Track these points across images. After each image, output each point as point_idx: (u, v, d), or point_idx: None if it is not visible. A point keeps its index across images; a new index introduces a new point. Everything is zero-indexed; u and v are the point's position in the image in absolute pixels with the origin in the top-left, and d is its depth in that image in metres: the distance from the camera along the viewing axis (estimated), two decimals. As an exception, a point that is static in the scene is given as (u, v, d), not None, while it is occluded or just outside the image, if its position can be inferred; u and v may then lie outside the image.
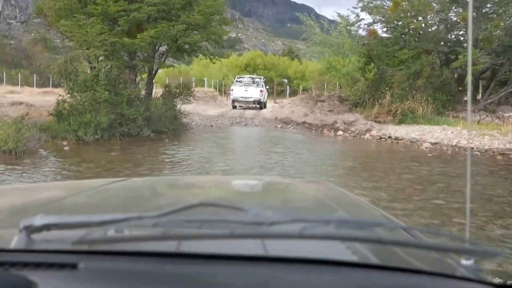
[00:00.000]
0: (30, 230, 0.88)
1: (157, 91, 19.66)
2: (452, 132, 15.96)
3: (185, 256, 0.88)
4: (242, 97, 30.02)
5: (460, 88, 20.61)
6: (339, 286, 0.82)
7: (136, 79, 17.84)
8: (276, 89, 40.94)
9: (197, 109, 27.57)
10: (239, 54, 68.84)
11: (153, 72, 18.84)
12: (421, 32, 20.21)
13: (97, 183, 2.20)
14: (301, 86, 49.47)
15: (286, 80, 48.47)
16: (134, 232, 0.87)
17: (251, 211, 0.88)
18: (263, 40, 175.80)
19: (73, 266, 0.82)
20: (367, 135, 17.08)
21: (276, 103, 36.41)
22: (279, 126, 21.18)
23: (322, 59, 21.26)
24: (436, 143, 14.90)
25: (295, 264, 0.86)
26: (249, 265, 0.87)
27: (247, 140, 16.53)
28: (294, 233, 0.79)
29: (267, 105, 32.46)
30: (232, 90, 30.42)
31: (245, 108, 30.28)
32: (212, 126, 21.13)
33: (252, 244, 0.95)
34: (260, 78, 32.92)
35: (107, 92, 15.08)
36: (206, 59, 19.52)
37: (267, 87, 34.45)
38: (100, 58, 16.23)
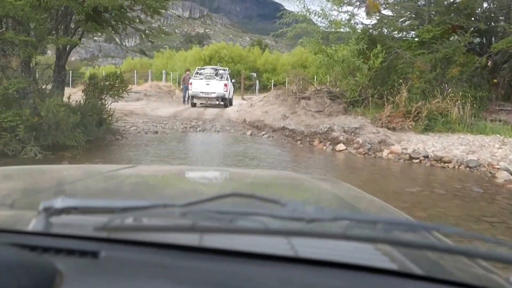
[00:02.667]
0: (50, 212, 0.82)
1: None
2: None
3: (215, 251, 0.79)
4: (202, 93, 23.47)
5: (495, 80, 14.34)
6: None
7: (31, 64, 11.16)
8: (243, 84, 34.40)
9: (146, 108, 21.00)
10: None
11: (64, 55, 12.13)
12: (446, 1, 13.84)
13: (105, 168, 2.12)
14: (272, 80, 43.06)
15: (255, 74, 42.03)
16: (161, 222, 0.83)
17: (289, 205, 0.79)
18: (231, 35, 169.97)
19: (94, 254, 0.75)
20: (385, 152, 10.70)
21: (244, 99, 29.91)
22: (249, 133, 14.74)
23: (308, 42, 14.76)
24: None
25: (333, 268, 0.76)
26: (283, 267, 0.77)
27: (198, 160, 9.99)
28: (337, 232, 0.73)
29: (233, 102, 26.03)
30: (190, 84, 23.82)
31: (206, 106, 23.78)
32: (156, 132, 14.65)
33: (287, 242, 0.85)
34: (224, 70, 26.30)
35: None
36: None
37: (233, 80, 27.89)
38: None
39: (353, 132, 12.08)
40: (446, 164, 9.51)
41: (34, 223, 0.83)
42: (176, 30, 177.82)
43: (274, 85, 35.08)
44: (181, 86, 26.93)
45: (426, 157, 9.91)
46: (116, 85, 13.24)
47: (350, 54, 14.10)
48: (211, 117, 18.85)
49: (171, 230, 0.81)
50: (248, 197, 0.91)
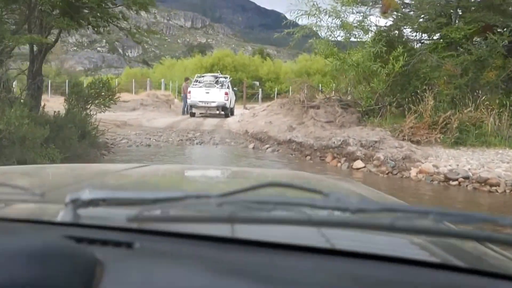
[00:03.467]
0: (77, 204, 0.81)
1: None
2: None
3: (254, 243, 0.76)
4: (202, 102, 21.76)
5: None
6: None
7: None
8: (246, 92, 32.70)
9: (141, 118, 19.29)
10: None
11: (38, 59, 10.43)
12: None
13: (119, 167, 2.12)
14: (275, 89, 41.33)
15: (257, 82, 40.26)
16: (196, 212, 0.81)
17: (332, 195, 0.75)
18: (233, 45, 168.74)
19: (129, 245, 0.73)
20: (413, 172, 8.93)
21: (246, 109, 28.20)
22: (251, 146, 13.04)
23: (317, 44, 13.05)
24: None
25: (381, 261, 0.72)
26: (320, 258, 0.73)
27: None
28: (385, 224, 0.68)
29: (235, 112, 24.30)
30: (189, 92, 22.11)
31: (206, 116, 22.06)
32: (149, 146, 13.01)
33: (322, 233, 0.83)
34: (225, 78, 24.50)
35: None
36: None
37: (234, 89, 26.15)
38: None
39: (371, 146, 10.34)
40: (494, 188, 7.73)
41: (62, 214, 0.81)
42: (179, 40, 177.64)
43: (278, 94, 33.39)
44: (182, 95, 25.17)
45: (466, 178, 8.13)
46: (103, 93, 11.58)
47: (366, 58, 12.38)
48: (210, 128, 17.14)
49: (208, 221, 0.77)
50: (287, 186, 0.94)
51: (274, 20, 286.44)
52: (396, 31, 13.01)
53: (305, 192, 0.84)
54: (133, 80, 34.06)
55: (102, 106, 11.51)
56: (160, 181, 1.74)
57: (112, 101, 11.73)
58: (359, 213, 0.69)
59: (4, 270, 0.52)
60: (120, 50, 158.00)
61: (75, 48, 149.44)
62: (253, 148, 12.80)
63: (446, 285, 0.69)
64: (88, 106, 11.58)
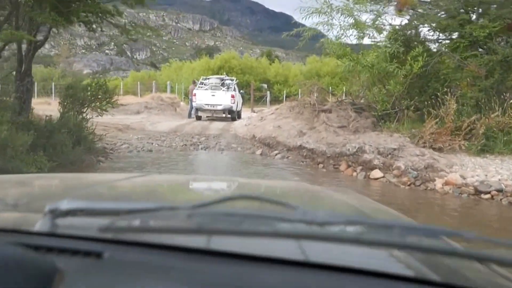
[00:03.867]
0: (55, 214, 0.82)
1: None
2: None
3: (221, 254, 0.77)
4: (207, 105, 20.92)
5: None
6: None
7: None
8: (253, 95, 31.85)
9: (144, 122, 18.50)
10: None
11: (26, 59, 9.62)
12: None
13: (115, 176, 2.21)
14: (284, 91, 40.43)
15: (265, 85, 39.33)
16: (166, 223, 0.81)
17: (299, 208, 0.79)
18: (241, 47, 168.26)
19: (98, 255, 0.74)
20: (438, 183, 8.00)
21: (254, 112, 27.36)
22: (258, 152, 12.18)
23: (329, 44, 12.16)
24: None
25: (346, 273, 0.73)
26: (292, 270, 0.74)
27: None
28: (350, 236, 0.70)
29: (242, 115, 23.45)
30: (194, 95, 21.28)
31: (212, 119, 21.23)
32: (151, 151, 12.17)
33: (297, 246, 0.83)
34: (232, 80, 23.60)
35: None
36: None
37: (241, 91, 25.29)
38: None
39: (390, 154, 9.45)
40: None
41: (40, 224, 0.81)
42: (187, 43, 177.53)
43: (287, 97, 32.54)
44: (189, 98, 24.29)
45: (500, 191, 7.21)
46: (99, 96, 10.78)
47: (381, 58, 11.49)
48: (216, 132, 16.30)
49: (176, 232, 0.78)
50: (256, 199, 0.93)
51: (282, 22, 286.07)
52: (413, 30, 12.08)
53: (273, 206, 0.86)
54: (139, 82, 33.31)
55: (99, 109, 10.68)
56: (143, 192, 1.70)
57: (109, 105, 10.90)
58: (324, 226, 0.70)
59: None
60: (129, 53, 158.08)
61: (83, 50, 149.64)
62: (261, 154, 11.94)
63: None
64: (84, 110, 10.80)
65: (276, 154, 11.76)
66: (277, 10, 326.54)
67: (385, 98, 11.87)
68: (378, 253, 0.84)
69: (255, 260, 0.74)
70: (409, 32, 12.03)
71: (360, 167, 9.32)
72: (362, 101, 13.70)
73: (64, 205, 0.81)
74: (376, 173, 8.77)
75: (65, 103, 10.60)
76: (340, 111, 12.94)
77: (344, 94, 14.65)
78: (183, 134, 15.32)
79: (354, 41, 12.82)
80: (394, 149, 9.52)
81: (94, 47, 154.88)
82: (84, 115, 10.82)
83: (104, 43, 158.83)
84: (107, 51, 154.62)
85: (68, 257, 0.72)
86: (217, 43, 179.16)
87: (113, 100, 10.97)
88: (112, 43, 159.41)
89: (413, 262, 0.84)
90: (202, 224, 0.73)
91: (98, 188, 1.62)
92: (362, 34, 12.45)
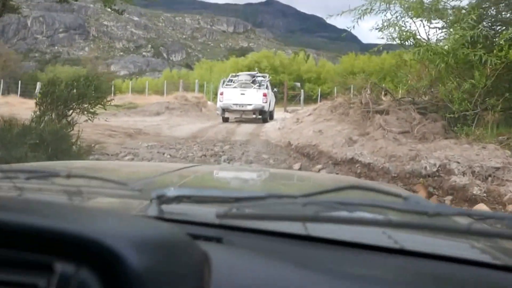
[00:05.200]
0: (162, 200, 0.82)
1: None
2: None
3: (333, 241, 0.77)
4: (236, 104, 17.81)
5: None
6: None
7: None
8: (287, 94, 28.64)
9: (162, 125, 15.54)
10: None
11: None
12: None
13: (172, 166, 2.19)
14: (318, 90, 37.09)
15: (299, 84, 36.05)
16: (283, 211, 0.81)
17: (411, 198, 0.77)
18: (274, 49, 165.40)
19: (218, 240, 0.74)
20: None
21: (287, 112, 24.10)
22: (297, 166, 8.96)
23: (391, 24, 8.86)
24: None
25: (447, 262, 0.72)
26: (395, 258, 0.74)
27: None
28: (462, 227, 0.70)
29: (275, 116, 20.26)
30: (221, 94, 18.20)
31: (240, 121, 18.13)
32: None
33: (404, 236, 0.81)
34: (264, 77, 20.33)
35: None
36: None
37: (275, 89, 22.03)
38: None
39: (491, 175, 6.14)
40: None
41: (150, 209, 0.82)
42: (221, 45, 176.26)
43: (322, 96, 29.26)
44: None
45: None
46: (91, 95, 7.85)
47: (461, 42, 8.17)
48: (243, 137, 13.16)
49: (293, 220, 0.78)
50: (368, 189, 0.92)
51: (313, 24, 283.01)
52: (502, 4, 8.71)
53: (384, 195, 0.87)
54: (165, 81, 30.44)
55: (86, 112, 7.73)
56: (232, 180, 1.74)
57: (101, 106, 7.93)
58: (436, 217, 0.68)
59: (141, 258, 0.50)
60: (165, 55, 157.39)
61: (121, 53, 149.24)
62: (300, 169, 8.75)
63: None
64: (69, 112, 7.88)
65: (319, 170, 8.53)
66: (308, 12, 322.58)
67: (462, 96, 8.52)
68: (462, 244, 0.82)
69: (365, 248, 0.74)
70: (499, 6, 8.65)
71: (450, 197, 6.00)
72: (425, 98, 10.38)
73: (171, 192, 0.81)
74: (481, 208, 5.45)
75: (42, 104, 7.69)
76: (399, 112, 9.67)
77: (399, 92, 11.29)
78: (204, 141, 12.25)
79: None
80: (496, 169, 6.22)
81: (131, 49, 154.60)
82: (69, 119, 7.91)
83: (142, 45, 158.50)
84: (144, 53, 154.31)
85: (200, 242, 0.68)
86: (250, 44, 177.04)
87: (106, 101, 7.96)
88: (149, 45, 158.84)
89: (499, 253, 0.81)
90: (318, 212, 0.72)
91: (167, 176, 1.57)
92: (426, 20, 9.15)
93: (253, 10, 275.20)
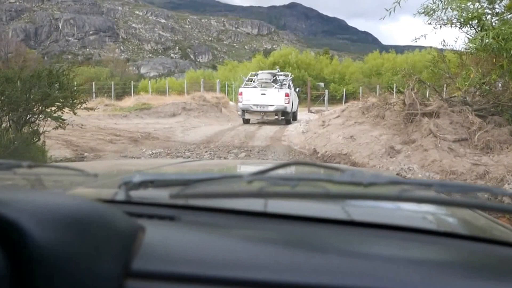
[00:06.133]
0: (129, 186, 0.85)
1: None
2: None
3: (279, 216, 0.81)
4: (256, 105, 15.79)
5: None
6: (440, 257, 0.72)
7: None
8: (310, 94, 26.50)
9: (176, 128, 13.65)
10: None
11: None
12: None
13: (173, 161, 2.42)
14: (343, 90, 34.78)
15: (322, 84, 33.83)
16: (229, 189, 0.84)
17: (348, 171, 0.78)
18: (297, 50, 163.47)
19: (171, 219, 0.76)
20: None
21: (311, 112, 21.98)
22: (326, 182, 6.88)
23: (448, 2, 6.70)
24: None
25: (386, 230, 0.77)
26: (339, 229, 0.79)
27: None
28: (393, 195, 0.73)
29: (298, 117, 18.19)
30: (240, 94, 16.18)
31: (261, 123, 16.11)
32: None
33: (345, 206, 0.89)
34: (286, 76, 18.16)
35: None
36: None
37: (298, 89, 19.88)
38: None
39: None
40: None
41: (115, 194, 0.85)
42: (246, 46, 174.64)
43: (347, 96, 27.05)
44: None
45: None
46: (52, 94, 5.87)
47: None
48: (262, 142, 11.12)
49: (239, 196, 0.81)
50: (310, 165, 1.10)
51: (335, 26, 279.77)
52: None
53: (324, 169, 0.93)
54: (185, 81, 28.52)
55: (50, 118, 5.78)
56: (203, 169, 1.74)
57: (70, 109, 5.98)
58: (371, 186, 0.71)
59: (47, 231, 0.51)
60: (192, 56, 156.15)
61: (150, 55, 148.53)
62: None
63: (448, 251, 0.71)
64: (33, 118, 5.98)
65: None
66: (330, 15, 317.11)
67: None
68: (416, 213, 0.87)
69: (307, 220, 0.78)
70: None
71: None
72: (476, 96, 8.20)
73: (137, 178, 0.83)
74: None
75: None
76: (452, 114, 7.52)
77: (441, 90, 9.11)
78: (218, 146, 10.27)
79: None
80: None
81: (160, 51, 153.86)
82: (35, 126, 6.01)
83: (169, 47, 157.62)
84: (172, 55, 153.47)
85: (145, 220, 0.72)
86: (274, 46, 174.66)
87: (75, 103, 5.98)
88: (177, 47, 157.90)
89: (437, 220, 0.88)
90: (262, 188, 0.74)
91: (163, 169, 1.61)
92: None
93: (276, 12, 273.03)
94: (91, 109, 6.06)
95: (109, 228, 0.58)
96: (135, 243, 0.59)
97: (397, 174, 6.37)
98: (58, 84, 5.85)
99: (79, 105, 6.04)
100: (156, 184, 0.83)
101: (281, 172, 0.89)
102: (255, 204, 0.83)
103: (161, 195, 0.82)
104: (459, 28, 7.08)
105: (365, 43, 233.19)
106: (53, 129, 6.19)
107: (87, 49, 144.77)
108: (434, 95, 8.43)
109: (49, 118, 5.73)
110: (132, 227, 0.62)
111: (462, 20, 6.77)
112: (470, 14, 6.73)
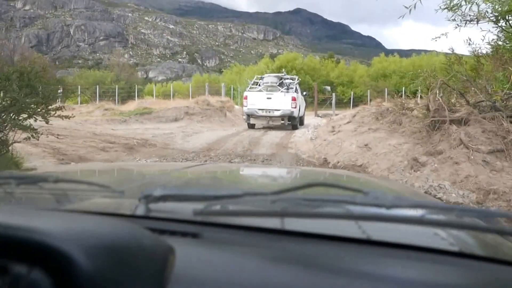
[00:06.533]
0: (149, 199, 0.83)
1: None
2: None
3: (302, 234, 0.79)
4: (261, 110, 14.77)
5: None
6: (458, 279, 0.69)
7: None
8: (317, 97, 25.44)
9: (176, 133, 12.64)
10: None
11: None
12: None
13: (178, 165, 2.39)
14: (351, 93, 33.69)
15: (328, 87, 32.74)
16: (254, 208, 0.83)
17: (371, 193, 0.79)
18: (302, 55, 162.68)
19: (194, 236, 0.75)
20: None
21: (319, 116, 20.95)
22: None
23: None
24: None
25: (407, 250, 0.74)
26: (355, 247, 0.76)
27: None
28: (415, 217, 0.73)
29: (305, 121, 17.16)
30: (245, 98, 15.17)
31: (267, 128, 15.07)
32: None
33: (367, 227, 0.83)
34: (292, 79, 17.08)
35: None
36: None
37: (305, 93, 18.83)
38: None
39: None
40: None
41: (135, 209, 0.82)
42: (252, 51, 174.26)
43: (355, 100, 26.00)
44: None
45: None
46: (20, 100, 4.85)
47: None
48: (268, 150, 10.07)
49: (263, 215, 0.80)
50: (333, 186, 1.01)
51: (339, 31, 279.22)
52: None
53: (347, 191, 0.89)
54: (190, 85, 27.56)
55: (16, 127, 4.79)
56: (219, 179, 1.72)
57: (42, 116, 4.98)
58: (393, 209, 0.70)
59: (91, 258, 0.51)
60: (199, 61, 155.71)
61: (158, 59, 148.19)
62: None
63: (466, 271, 0.70)
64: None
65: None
66: (334, 20, 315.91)
67: None
68: (429, 233, 0.83)
69: (328, 238, 0.76)
70: None
71: None
72: (511, 103, 7.11)
73: (158, 191, 0.82)
74: None
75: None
76: (484, 122, 6.45)
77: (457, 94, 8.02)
78: (219, 155, 9.24)
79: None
80: None
81: (168, 56, 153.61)
82: (1, 136, 5.02)
83: (177, 52, 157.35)
84: (179, 59, 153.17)
85: (171, 237, 0.71)
86: (279, 50, 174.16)
87: (52, 108, 4.99)
88: (184, 52, 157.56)
89: (458, 241, 0.85)
90: (286, 208, 0.74)
91: (171, 176, 1.59)
92: None
93: (282, 18, 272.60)
94: (67, 117, 5.05)
95: (145, 253, 0.56)
96: (168, 266, 0.58)
97: (425, 193, 5.33)
98: (28, 88, 4.86)
99: (53, 111, 5.04)
100: (177, 199, 0.83)
101: (304, 192, 0.86)
102: (273, 222, 0.80)
103: (182, 210, 0.81)
104: (494, 22, 6.02)
105: (369, 47, 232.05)
106: (24, 139, 5.21)
107: (97, 54, 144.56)
108: (460, 100, 7.34)
109: (10, 127, 4.75)
110: (163, 250, 0.60)
111: (496, 14, 5.71)
112: (507, 7, 5.67)
